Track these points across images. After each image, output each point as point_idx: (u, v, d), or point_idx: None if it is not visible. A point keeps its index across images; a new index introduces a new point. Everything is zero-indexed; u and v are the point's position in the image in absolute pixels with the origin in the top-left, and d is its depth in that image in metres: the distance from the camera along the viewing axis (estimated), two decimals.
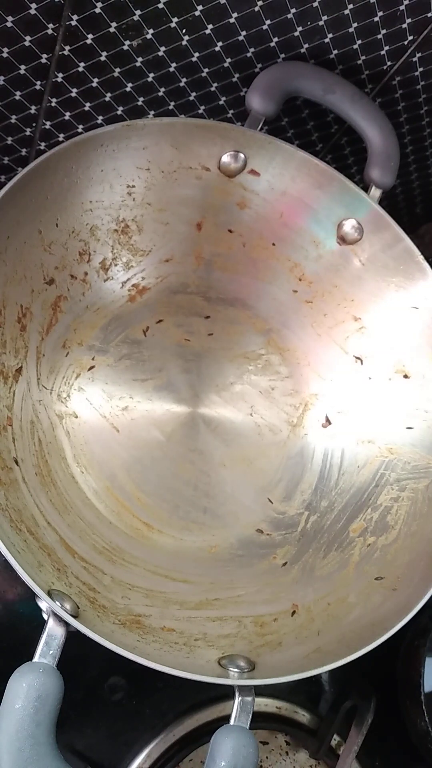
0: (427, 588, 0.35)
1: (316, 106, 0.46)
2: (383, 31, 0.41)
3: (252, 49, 0.41)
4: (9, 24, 0.36)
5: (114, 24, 0.38)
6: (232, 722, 0.30)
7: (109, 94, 0.43)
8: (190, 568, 0.42)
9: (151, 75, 0.42)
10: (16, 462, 0.37)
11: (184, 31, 0.39)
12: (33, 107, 0.43)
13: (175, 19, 0.38)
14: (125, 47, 0.39)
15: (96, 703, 0.42)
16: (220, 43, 0.40)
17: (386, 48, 0.43)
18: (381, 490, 0.43)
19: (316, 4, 0.39)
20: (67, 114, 0.44)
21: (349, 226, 0.44)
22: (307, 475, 0.47)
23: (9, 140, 0.45)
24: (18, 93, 0.41)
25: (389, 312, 0.45)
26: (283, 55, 0.42)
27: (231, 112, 0.46)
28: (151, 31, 0.39)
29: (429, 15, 0.40)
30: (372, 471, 0.45)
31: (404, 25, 0.41)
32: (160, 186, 0.42)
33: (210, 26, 0.39)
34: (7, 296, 0.37)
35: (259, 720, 0.43)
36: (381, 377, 0.46)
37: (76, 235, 0.41)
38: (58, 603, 0.29)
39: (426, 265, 0.42)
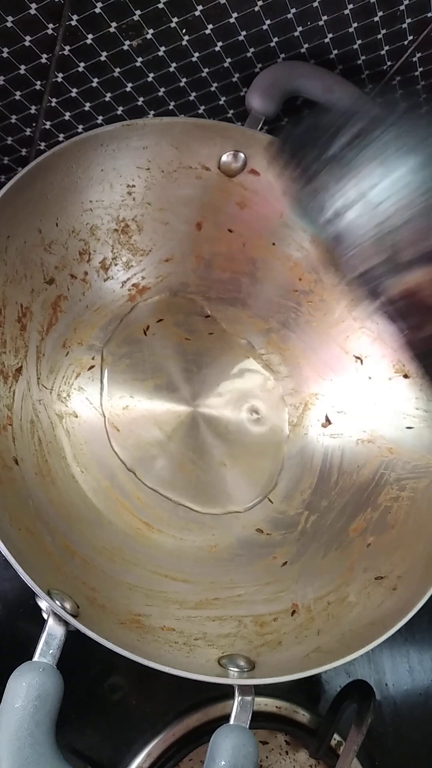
0: (427, 588, 0.35)
1: (316, 106, 0.46)
2: (383, 31, 0.41)
3: (252, 49, 0.41)
4: (9, 24, 0.37)
5: (114, 24, 0.38)
6: (231, 722, 0.30)
7: (109, 94, 0.43)
8: (190, 568, 0.42)
9: (151, 75, 0.42)
10: (16, 461, 0.37)
11: (184, 31, 0.39)
12: (33, 107, 0.43)
13: (175, 19, 0.38)
14: (125, 47, 0.39)
15: (96, 703, 0.42)
16: (220, 43, 0.40)
17: (386, 48, 0.43)
18: (381, 490, 0.43)
19: (316, 4, 0.39)
20: (67, 114, 0.44)
21: None
22: (307, 475, 0.47)
23: (9, 140, 0.45)
24: (18, 93, 0.41)
25: None
26: (283, 55, 0.42)
27: (231, 112, 0.46)
28: (151, 31, 0.39)
29: (429, 15, 0.40)
30: (372, 471, 0.44)
31: (404, 25, 0.41)
32: (160, 186, 0.42)
33: (210, 26, 0.39)
34: (7, 296, 0.37)
35: (259, 719, 0.43)
36: (381, 377, 0.46)
37: (76, 234, 0.41)
38: (57, 602, 0.29)
39: None
